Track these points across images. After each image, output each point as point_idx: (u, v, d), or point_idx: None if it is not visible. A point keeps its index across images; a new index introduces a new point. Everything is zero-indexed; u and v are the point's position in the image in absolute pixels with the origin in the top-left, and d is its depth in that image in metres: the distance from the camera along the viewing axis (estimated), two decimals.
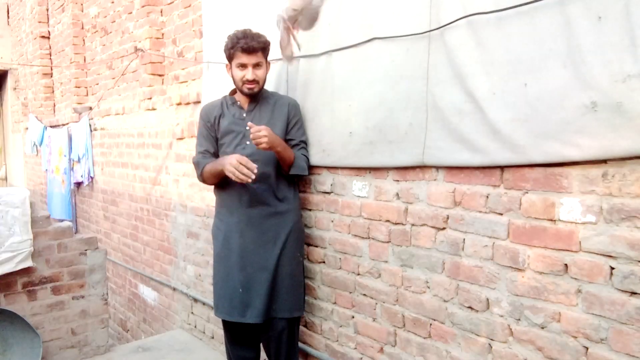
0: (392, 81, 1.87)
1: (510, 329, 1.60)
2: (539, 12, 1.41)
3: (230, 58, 2.18)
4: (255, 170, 2.01)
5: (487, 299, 1.66)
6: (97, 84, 5.09)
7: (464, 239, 1.72)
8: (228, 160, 2.05)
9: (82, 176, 5.18)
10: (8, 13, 8.67)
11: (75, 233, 3.10)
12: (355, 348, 2.20)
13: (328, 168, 2.25)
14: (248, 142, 2.20)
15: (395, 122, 1.87)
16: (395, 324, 2.00)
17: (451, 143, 1.68)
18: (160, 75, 3.87)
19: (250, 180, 2.02)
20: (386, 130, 1.90)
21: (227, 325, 2.33)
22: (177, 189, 3.54)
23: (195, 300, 3.39)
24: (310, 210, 2.39)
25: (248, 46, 2.10)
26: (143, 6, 3.81)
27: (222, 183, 2.25)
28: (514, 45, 1.48)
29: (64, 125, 5.52)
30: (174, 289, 3.68)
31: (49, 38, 6.30)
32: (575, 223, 1.41)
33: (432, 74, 1.73)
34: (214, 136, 2.30)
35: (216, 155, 2.29)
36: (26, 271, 2.82)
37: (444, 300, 1.81)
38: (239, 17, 2.64)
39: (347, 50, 2.05)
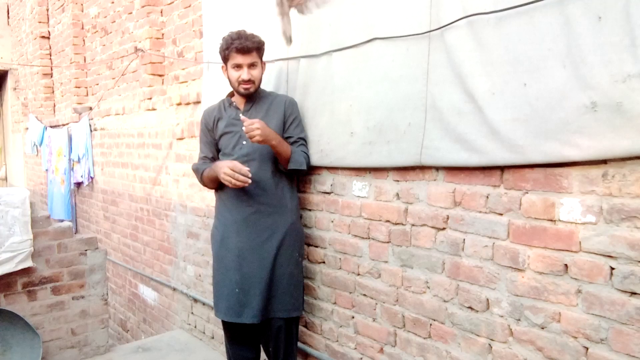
0: (392, 81, 1.87)
1: (510, 329, 1.60)
2: (539, 12, 1.41)
3: (225, 59, 2.20)
4: (249, 174, 2.07)
5: (487, 299, 1.66)
6: (97, 84, 5.09)
7: (464, 239, 1.72)
8: (222, 169, 2.10)
9: (82, 176, 5.18)
10: (8, 13, 8.67)
11: (75, 233, 3.10)
12: (355, 348, 2.20)
13: (328, 168, 2.25)
14: (245, 142, 2.21)
15: (395, 122, 1.87)
16: (395, 324, 2.00)
17: (449, 143, 1.68)
18: (160, 76, 3.87)
19: (248, 184, 2.07)
20: (385, 130, 1.90)
21: (226, 325, 2.33)
22: (177, 189, 3.54)
23: (195, 300, 3.39)
24: (310, 210, 2.39)
25: (242, 46, 2.11)
26: (143, 6, 3.81)
27: (221, 184, 2.26)
28: (514, 45, 1.48)
29: (64, 125, 5.52)
30: (174, 289, 3.68)
31: (49, 38, 6.30)
32: (575, 223, 1.41)
33: (432, 74, 1.73)
34: (213, 141, 2.34)
35: (216, 160, 2.32)
36: (26, 271, 2.82)
37: (444, 301, 1.81)
38: (239, 17, 2.64)
39: (347, 50, 2.05)
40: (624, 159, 1.30)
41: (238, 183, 2.07)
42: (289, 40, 2.34)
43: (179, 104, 3.42)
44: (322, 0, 2.14)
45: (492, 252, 1.64)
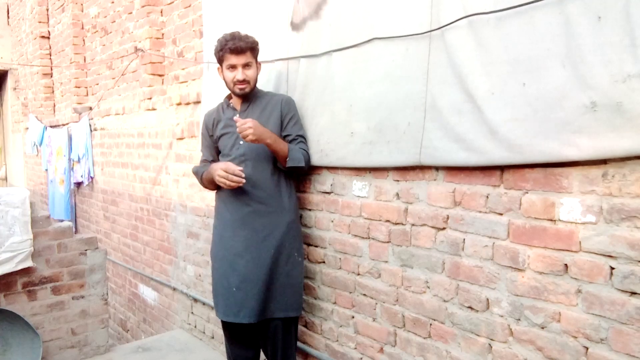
0: (392, 81, 1.87)
1: (510, 329, 1.60)
2: (539, 12, 1.41)
3: (220, 61, 2.22)
4: (243, 174, 2.09)
5: (487, 299, 1.66)
6: (97, 84, 5.09)
7: (464, 239, 1.72)
8: (216, 172, 2.13)
9: (82, 176, 5.18)
10: (8, 13, 8.67)
11: (75, 233, 3.10)
12: (355, 348, 2.20)
13: (328, 168, 2.25)
14: (241, 142, 2.22)
15: (394, 122, 1.87)
16: (395, 324, 2.00)
17: (448, 143, 1.68)
18: (160, 75, 3.87)
19: (242, 184, 2.10)
20: (386, 130, 1.90)
21: (225, 324, 2.34)
22: (177, 189, 3.54)
23: (195, 300, 3.39)
24: (310, 210, 2.39)
25: (236, 47, 2.13)
26: (143, 6, 3.81)
27: (218, 187, 2.29)
28: (514, 45, 1.48)
29: (64, 125, 5.53)
30: (174, 289, 3.68)
31: (49, 38, 6.30)
32: (575, 223, 1.41)
33: (431, 74, 1.73)
34: (213, 144, 2.38)
35: (216, 162, 2.33)
36: (26, 271, 2.82)
37: (444, 300, 1.81)
38: (239, 17, 2.64)
39: (347, 50, 2.05)
40: (624, 159, 1.30)
41: (232, 184, 2.09)
42: (296, 27, 2.31)
43: (179, 104, 3.42)
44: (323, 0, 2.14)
45: (492, 252, 1.64)
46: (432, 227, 1.82)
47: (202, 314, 3.36)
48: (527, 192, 1.52)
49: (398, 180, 1.94)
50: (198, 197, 3.26)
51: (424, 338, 1.89)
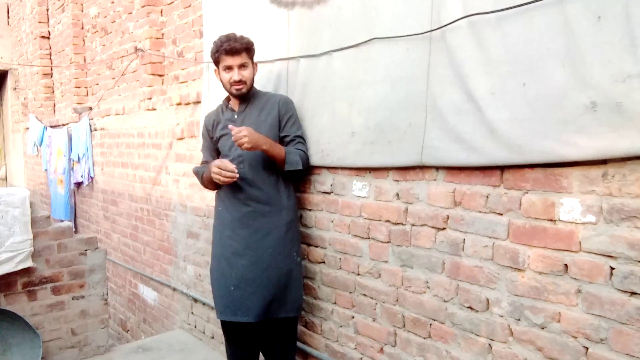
0: (392, 81, 1.87)
1: (510, 329, 1.60)
2: (538, 12, 1.41)
3: (216, 62, 2.23)
4: (236, 170, 2.09)
5: (487, 299, 1.66)
6: (97, 84, 5.09)
7: (464, 239, 1.72)
8: (212, 169, 2.14)
9: (82, 176, 5.18)
10: (8, 13, 8.67)
11: (75, 233, 3.10)
12: (355, 348, 2.20)
13: (328, 168, 2.25)
14: None
15: (395, 122, 1.87)
16: (395, 324, 2.00)
17: (449, 143, 1.68)
18: (160, 76, 3.87)
19: (236, 177, 2.10)
20: (386, 130, 1.90)
21: (224, 324, 2.33)
22: (177, 189, 3.54)
23: (195, 300, 3.39)
24: (310, 210, 2.39)
25: (231, 47, 2.14)
26: (143, 6, 3.81)
27: (219, 187, 2.30)
28: (514, 45, 1.48)
29: (64, 125, 5.53)
30: (174, 289, 3.68)
31: (49, 38, 6.29)
32: (575, 223, 1.41)
33: (432, 74, 1.73)
34: (213, 146, 2.39)
35: None
36: (26, 271, 2.82)
37: (444, 301, 1.81)
38: (239, 17, 2.64)
39: (347, 50, 2.05)
40: (624, 159, 1.29)
41: (226, 179, 2.10)
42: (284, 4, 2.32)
43: (179, 104, 3.42)
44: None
45: (492, 252, 1.64)
46: (432, 227, 1.82)
47: (202, 314, 3.36)
48: (527, 192, 1.52)
49: (398, 181, 1.94)
50: (198, 197, 3.26)
51: (424, 338, 1.89)
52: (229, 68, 2.19)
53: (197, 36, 3.32)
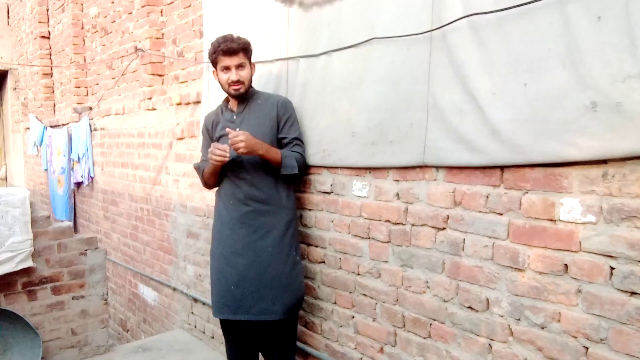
0: (393, 81, 1.87)
1: (510, 329, 1.60)
2: (539, 12, 1.41)
3: (214, 63, 2.24)
4: (227, 150, 2.10)
5: (487, 299, 1.66)
6: (97, 84, 5.09)
7: (464, 239, 1.72)
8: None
9: (82, 176, 5.18)
10: (8, 13, 8.67)
11: (75, 233, 3.10)
12: (355, 348, 2.20)
13: (328, 168, 2.25)
14: None
15: (397, 122, 1.87)
16: (395, 324, 2.00)
17: (451, 143, 1.68)
18: (160, 75, 3.87)
19: (227, 158, 2.11)
20: (388, 130, 1.90)
21: (224, 323, 2.34)
22: (177, 189, 3.54)
23: (195, 300, 3.39)
24: (310, 210, 2.39)
25: (228, 48, 2.15)
26: (143, 6, 3.81)
27: (220, 182, 2.31)
28: (514, 45, 1.48)
29: (64, 125, 5.52)
30: (174, 289, 3.68)
31: (49, 38, 6.29)
32: (575, 223, 1.41)
33: (433, 74, 1.73)
34: None
35: None
36: (26, 271, 2.82)
37: (444, 300, 1.81)
38: (239, 17, 2.64)
39: (347, 50, 2.05)
40: (624, 159, 1.30)
41: (217, 157, 2.11)
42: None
43: (179, 104, 3.42)
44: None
45: (492, 252, 1.64)
46: (432, 227, 1.82)
47: (202, 314, 3.36)
48: (527, 192, 1.52)
49: (398, 181, 1.94)
50: (198, 197, 3.26)
51: (424, 338, 1.89)
52: (226, 68, 2.20)
53: (197, 36, 3.32)
